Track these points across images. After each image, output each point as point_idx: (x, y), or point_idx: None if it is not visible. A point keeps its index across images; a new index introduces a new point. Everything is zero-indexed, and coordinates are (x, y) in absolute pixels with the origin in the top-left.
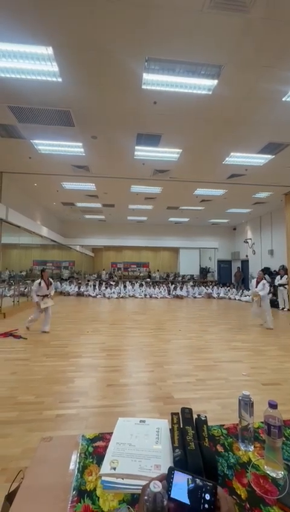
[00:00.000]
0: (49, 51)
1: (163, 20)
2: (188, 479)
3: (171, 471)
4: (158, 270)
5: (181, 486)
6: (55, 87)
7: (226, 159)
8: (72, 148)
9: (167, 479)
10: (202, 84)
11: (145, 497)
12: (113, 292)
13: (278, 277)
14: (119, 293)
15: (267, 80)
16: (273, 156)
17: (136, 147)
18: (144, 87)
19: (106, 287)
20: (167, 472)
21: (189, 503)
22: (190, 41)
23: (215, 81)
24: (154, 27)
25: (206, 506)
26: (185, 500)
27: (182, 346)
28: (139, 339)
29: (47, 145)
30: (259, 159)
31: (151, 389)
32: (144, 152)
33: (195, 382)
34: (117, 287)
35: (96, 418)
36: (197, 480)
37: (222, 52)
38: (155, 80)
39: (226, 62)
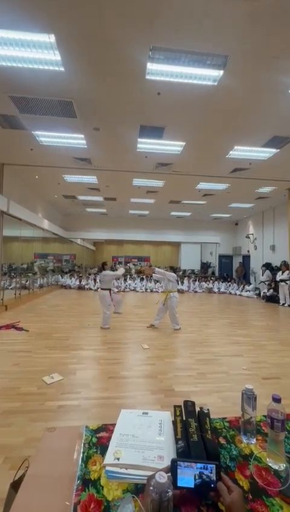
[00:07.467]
0: (52, 38)
1: (169, 8)
2: (191, 466)
3: (174, 462)
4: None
5: (185, 474)
6: (57, 77)
7: (230, 152)
8: (74, 140)
9: (172, 470)
10: (208, 75)
11: (151, 488)
12: (114, 286)
13: (280, 272)
14: (120, 286)
15: (274, 71)
16: (278, 150)
17: (139, 139)
18: (147, 77)
19: None
20: (170, 464)
21: (194, 487)
22: (196, 30)
23: (221, 72)
24: (159, 15)
25: (212, 486)
26: (191, 485)
27: (183, 340)
28: (140, 332)
29: (49, 137)
30: (263, 153)
31: (153, 382)
32: (147, 145)
33: (196, 375)
34: (118, 281)
35: (98, 409)
36: (200, 465)
37: (228, 41)
38: (159, 70)
39: (233, 52)
